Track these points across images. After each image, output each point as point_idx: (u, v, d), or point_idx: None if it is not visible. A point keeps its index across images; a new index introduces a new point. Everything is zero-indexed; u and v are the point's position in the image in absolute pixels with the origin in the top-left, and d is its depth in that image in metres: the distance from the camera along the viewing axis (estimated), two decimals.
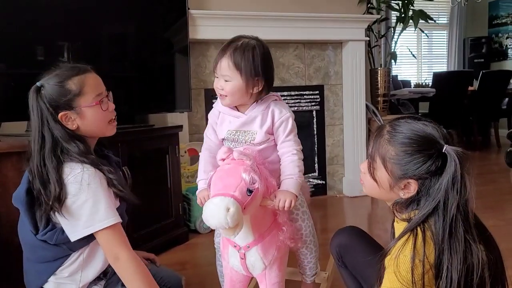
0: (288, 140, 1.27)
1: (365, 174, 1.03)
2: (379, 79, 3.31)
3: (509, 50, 6.17)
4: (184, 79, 2.39)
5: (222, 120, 1.32)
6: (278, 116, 1.26)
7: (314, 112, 3.12)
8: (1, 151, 1.55)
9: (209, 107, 2.73)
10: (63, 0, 1.99)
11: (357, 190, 3.06)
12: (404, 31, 3.39)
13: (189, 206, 2.45)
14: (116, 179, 1.16)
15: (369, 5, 3.19)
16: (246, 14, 2.70)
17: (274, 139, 1.30)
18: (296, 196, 1.21)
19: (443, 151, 0.90)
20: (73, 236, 1.09)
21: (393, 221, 1.06)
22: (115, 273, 1.15)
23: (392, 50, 3.45)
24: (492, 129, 5.20)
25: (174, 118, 2.60)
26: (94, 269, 1.18)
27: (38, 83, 1.12)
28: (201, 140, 2.70)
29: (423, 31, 4.00)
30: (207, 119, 2.69)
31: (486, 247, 0.93)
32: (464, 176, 0.89)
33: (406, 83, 5.54)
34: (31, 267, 1.18)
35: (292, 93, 3.03)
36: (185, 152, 2.59)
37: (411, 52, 4.16)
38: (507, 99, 5.17)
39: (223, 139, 1.32)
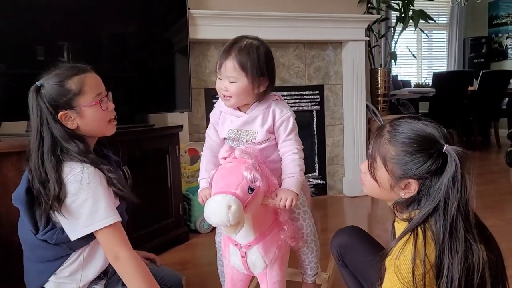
0: (289, 139, 1.28)
1: (366, 174, 1.03)
2: (379, 79, 3.31)
3: (509, 50, 6.17)
4: (184, 79, 2.39)
5: (223, 120, 1.33)
6: (279, 115, 1.28)
7: (314, 112, 3.12)
8: (1, 151, 1.55)
9: (209, 107, 2.74)
10: (63, 0, 1.99)
11: (357, 190, 3.06)
12: (404, 31, 3.39)
13: (189, 206, 2.45)
14: (115, 178, 1.16)
15: (369, 5, 3.20)
16: (246, 14, 2.70)
17: (275, 138, 1.30)
18: (297, 195, 1.21)
19: (444, 150, 0.90)
20: (73, 235, 1.09)
21: (394, 221, 1.06)
22: (115, 272, 1.15)
23: (392, 50, 3.45)
24: (492, 129, 5.20)
25: (174, 118, 2.60)
26: (94, 269, 1.18)
27: (38, 83, 1.12)
28: (201, 140, 2.72)
29: (423, 31, 4.00)
30: (207, 119, 2.72)
31: (486, 246, 0.93)
32: (464, 176, 0.89)
33: (406, 83, 5.54)
34: (31, 267, 1.18)
35: (292, 93, 3.03)
36: (185, 152, 2.59)
37: (411, 52, 4.16)
38: (507, 99, 5.17)
39: (224, 138, 1.33)
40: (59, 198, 1.06)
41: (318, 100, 3.11)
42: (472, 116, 4.87)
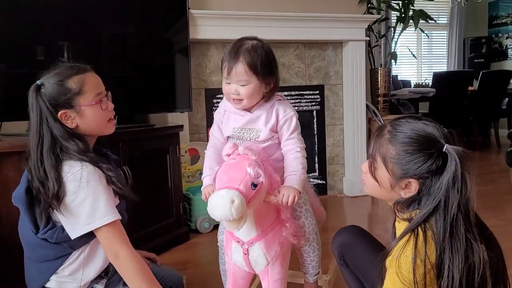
0: (292, 138, 1.30)
1: (366, 173, 1.03)
2: (379, 79, 3.31)
3: (509, 50, 6.17)
4: (184, 79, 2.39)
5: (227, 118, 1.35)
6: (283, 114, 1.30)
7: (314, 112, 3.12)
8: (1, 150, 1.55)
9: (209, 107, 2.74)
10: (63, 0, 1.99)
11: (358, 190, 3.06)
12: (404, 31, 3.39)
13: (189, 206, 2.45)
14: (115, 177, 1.16)
15: (369, 5, 3.20)
16: (246, 14, 2.70)
17: (278, 137, 1.32)
18: (300, 192, 1.22)
19: (444, 150, 0.90)
20: (74, 234, 1.09)
21: (395, 220, 1.06)
22: (116, 271, 1.15)
23: (392, 50, 3.45)
24: (492, 129, 5.20)
25: (175, 118, 2.60)
26: (95, 268, 1.18)
27: (38, 82, 1.12)
28: (201, 140, 2.72)
29: (423, 31, 3.99)
30: (207, 119, 2.73)
31: (487, 246, 0.93)
32: (464, 175, 0.89)
33: (406, 83, 5.54)
34: (32, 267, 1.18)
35: (293, 93, 3.03)
36: (186, 152, 2.59)
37: (411, 52, 4.16)
38: (507, 99, 5.17)
39: (228, 136, 1.35)
40: (58, 196, 1.06)
41: (318, 100, 3.11)
42: (472, 116, 4.87)
